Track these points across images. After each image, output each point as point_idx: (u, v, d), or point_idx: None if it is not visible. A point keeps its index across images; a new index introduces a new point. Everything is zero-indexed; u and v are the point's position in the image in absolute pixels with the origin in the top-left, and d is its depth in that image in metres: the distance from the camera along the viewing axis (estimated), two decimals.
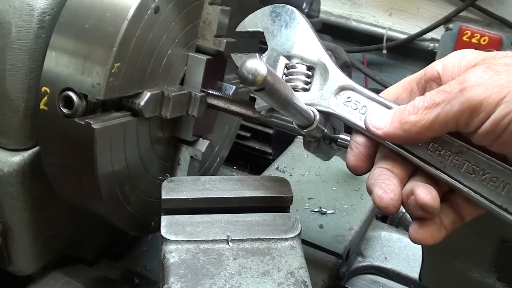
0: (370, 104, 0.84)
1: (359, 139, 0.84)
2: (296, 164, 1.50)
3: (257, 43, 1.26)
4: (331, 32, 2.20)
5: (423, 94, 0.77)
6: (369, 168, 0.83)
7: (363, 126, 0.82)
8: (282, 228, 0.90)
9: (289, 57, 0.91)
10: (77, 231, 1.17)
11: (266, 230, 0.89)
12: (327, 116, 0.89)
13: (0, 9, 0.95)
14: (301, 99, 0.85)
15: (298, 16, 0.91)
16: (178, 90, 1.04)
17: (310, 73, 0.89)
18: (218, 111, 1.12)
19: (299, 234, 0.90)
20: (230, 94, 1.13)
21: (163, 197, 0.92)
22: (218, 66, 1.11)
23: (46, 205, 1.06)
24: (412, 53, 2.56)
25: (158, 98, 1.00)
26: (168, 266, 0.83)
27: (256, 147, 1.74)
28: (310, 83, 0.89)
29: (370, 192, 0.79)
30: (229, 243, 0.87)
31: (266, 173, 1.47)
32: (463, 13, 2.41)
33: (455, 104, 0.71)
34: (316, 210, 1.34)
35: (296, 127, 0.90)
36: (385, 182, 0.77)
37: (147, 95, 0.97)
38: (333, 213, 1.34)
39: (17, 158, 0.99)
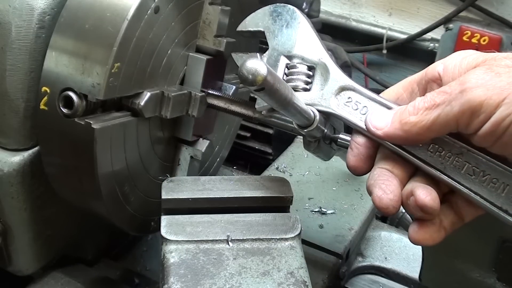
0: (370, 104, 0.84)
1: (360, 140, 0.84)
2: (296, 164, 1.50)
3: (257, 42, 1.26)
4: (331, 32, 2.20)
5: (423, 95, 0.77)
6: (369, 168, 0.83)
7: (364, 126, 0.82)
8: (282, 228, 0.90)
9: (290, 57, 0.91)
10: (77, 231, 1.17)
11: (266, 230, 0.89)
12: (327, 116, 0.89)
13: (0, 9, 0.95)
14: (301, 99, 0.85)
15: (299, 16, 0.91)
16: (178, 90, 1.04)
17: (310, 73, 0.89)
18: (218, 111, 1.12)
19: (299, 234, 0.90)
20: (230, 94, 1.13)
21: (163, 197, 0.92)
22: (218, 66, 1.11)
23: (46, 205, 1.06)
24: (412, 53, 2.56)
25: (158, 98, 1.00)
26: (168, 266, 0.83)
27: (256, 147, 1.74)
28: (310, 83, 0.89)
29: (370, 192, 0.79)
30: (229, 243, 0.87)
31: (266, 173, 1.47)
32: (463, 13, 2.41)
33: (455, 105, 0.71)
34: (316, 210, 1.34)
35: (296, 127, 0.90)
36: (385, 183, 0.77)
37: (147, 95, 0.97)
38: (333, 213, 1.34)
39: (17, 158, 0.99)
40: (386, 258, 1.36)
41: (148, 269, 1.31)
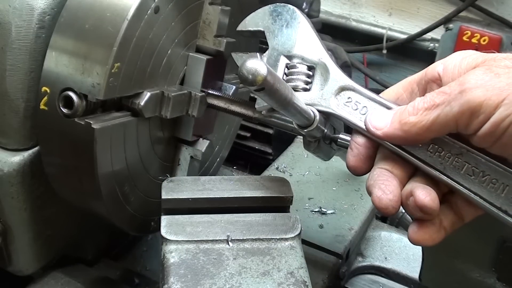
0: (370, 104, 0.84)
1: (359, 140, 0.84)
2: (296, 164, 1.50)
3: (257, 42, 1.26)
4: (331, 32, 2.19)
5: (423, 95, 0.77)
6: (369, 168, 0.83)
7: (363, 126, 0.82)
8: (282, 228, 0.90)
9: (290, 57, 0.91)
10: (77, 231, 1.17)
11: (266, 230, 0.89)
12: (327, 116, 0.89)
13: (0, 9, 0.95)
14: (301, 99, 0.85)
15: (299, 16, 0.91)
16: (178, 90, 1.04)
17: (310, 73, 0.89)
18: (218, 111, 1.12)
19: (299, 234, 0.90)
20: (230, 94, 1.13)
21: (163, 197, 0.92)
22: (218, 66, 1.11)
23: (46, 205, 1.06)
24: (412, 53, 2.55)
25: (158, 98, 1.00)
26: (168, 266, 0.83)
27: (256, 147, 1.74)
28: (310, 83, 0.89)
29: (369, 193, 0.79)
30: (229, 243, 0.87)
31: (266, 173, 1.47)
32: (463, 13, 2.40)
33: (454, 106, 0.71)
34: (316, 210, 1.34)
35: (296, 127, 0.90)
36: (385, 183, 0.78)
37: (147, 95, 0.97)
38: (333, 213, 1.34)
39: (17, 158, 0.99)
40: (386, 258, 1.37)
41: (148, 269, 1.31)
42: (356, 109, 0.85)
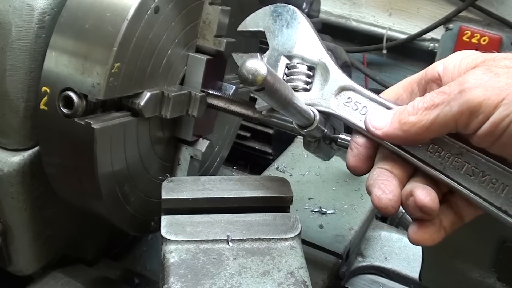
0: (370, 104, 0.84)
1: (359, 140, 0.84)
2: (296, 164, 1.50)
3: (257, 42, 1.26)
4: (331, 32, 2.20)
5: (423, 95, 0.77)
6: (369, 168, 0.83)
7: (363, 126, 0.82)
8: (282, 228, 0.90)
9: (290, 57, 0.91)
10: (77, 231, 1.17)
11: (266, 230, 0.89)
12: (327, 116, 0.89)
13: (0, 9, 0.95)
14: (301, 99, 0.85)
15: (299, 16, 0.91)
16: (178, 90, 1.04)
17: (311, 73, 0.89)
18: (218, 111, 1.12)
19: (299, 234, 0.90)
20: (230, 94, 1.13)
21: (163, 197, 0.92)
22: (218, 66, 1.11)
23: (46, 205, 1.06)
24: (412, 53, 2.55)
25: (158, 98, 1.00)
26: (168, 266, 0.83)
27: (256, 147, 1.74)
28: (310, 83, 0.89)
29: (369, 192, 0.79)
30: (229, 243, 0.87)
31: (266, 173, 1.47)
32: (463, 13, 2.40)
33: (454, 106, 0.71)
34: (316, 210, 1.34)
35: (296, 127, 0.90)
36: (384, 183, 0.78)
37: (147, 95, 0.97)
38: (333, 213, 1.34)
39: (17, 158, 0.99)
40: (386, 258, 1.37)
41: (148, 269, 1.31)
42: (356, 109, 0.85)
